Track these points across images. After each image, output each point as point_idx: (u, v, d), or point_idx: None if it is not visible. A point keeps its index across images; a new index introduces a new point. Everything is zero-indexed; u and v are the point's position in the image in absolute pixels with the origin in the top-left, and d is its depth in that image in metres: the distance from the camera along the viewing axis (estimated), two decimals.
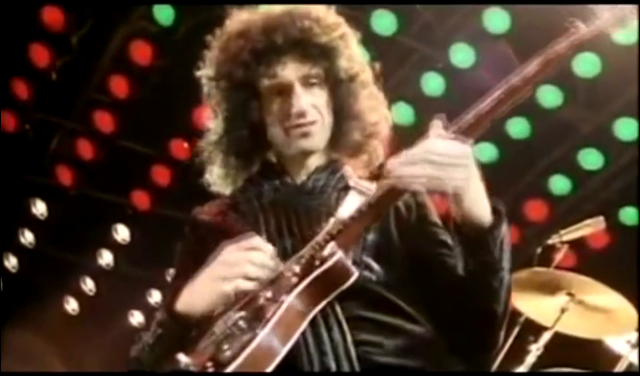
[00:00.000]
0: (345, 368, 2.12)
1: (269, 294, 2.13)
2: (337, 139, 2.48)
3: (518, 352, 4.73)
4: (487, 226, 2.13)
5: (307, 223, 2.33)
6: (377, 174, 2.50)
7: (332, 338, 2.14)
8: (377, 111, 2.51)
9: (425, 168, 2.04)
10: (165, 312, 2.22)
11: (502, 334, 2.30)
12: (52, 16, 6.15)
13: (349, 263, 2.15)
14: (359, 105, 2.47)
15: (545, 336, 4.68)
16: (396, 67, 6.39)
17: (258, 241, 2.19)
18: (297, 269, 2.15)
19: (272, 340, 2.06)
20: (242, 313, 2.13)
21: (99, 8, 6.14)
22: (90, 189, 7.47)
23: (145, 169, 7.23)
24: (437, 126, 2.12)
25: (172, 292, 2.24)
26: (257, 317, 2.11)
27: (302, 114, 2.38)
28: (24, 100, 6.66)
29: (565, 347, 4.84)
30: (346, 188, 2.42)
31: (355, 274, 2.14)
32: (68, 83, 6.60)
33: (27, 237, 7.85)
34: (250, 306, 2.14)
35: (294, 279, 2.14)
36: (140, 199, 7.46)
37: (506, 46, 5.98)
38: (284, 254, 2.24)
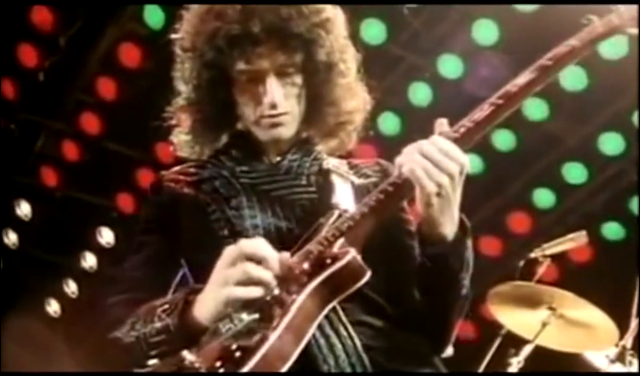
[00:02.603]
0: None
1: (277, 292, 2.06)
2: (311, 121, 2.46)
3: (499, 364, 4.75)
4: (450, 242, 2.13)
5: (291, 209, 2.31)
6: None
7: (343, 345, 2.11)
8: (354, 100, 2.48)
9: (420, 160, 2.04)
10: (177, 319, 2.14)
11: (451, 339, 2.31)
12: (41, 16, 6.13)
13: (361, 261, 2.08)
14: (335, 93, 2.44)
15: (526, 350, 4.70)
16: (384, 76, 6.40)
17: (260, 241, 2.11)
18: (306, 266, 2.09)
19: (284, 343, 2.00)
20: (250, 312, 2.06)
21: (88, 9, 6.12)
22: (75, 191, 7.44)
23: (131, 172, 7.21)
24: (442, 124, 2.12)
25: (184, 300, 2.16)
26: (266, 317, 2.04)
27: (274, 106, 2.34)
28: (10, 99, 6.63)
29: (545, 361, 4.86)
30: (321, 171, 2.41)
31: (369, 273, 2.08)
32: (55, 83, 6.58)
33: (11, 238, 7.81)
34: (259, 305, 2.06)
35: (304, 278, 2.07)
36: (125, 202, 7.43)
37: (495, 58, 6.01)
38: (272, 239, 2.18)
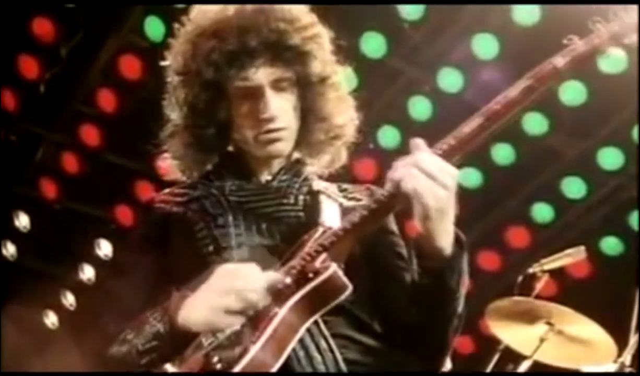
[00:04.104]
0: None
1: (260, 305, 2.10)
2: (302, 138, 2.49)
3: None
4: (447, 256, 2.13)
5: (277, 228, 2.33)
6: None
7: (323, 357, 2.13)
8: (345, 114, 2.52)
9: (414, 175, 2.05)
10: (168, 324, 2.17)
11: (446, 358, 2.32)
12: (42, 28, 6.14)
13: (343, 275, 2.12)
14: (327, 107, 2.47)
15: (524, 365, 4.70)
16: (383, 90, 6.41)
17: (251, 268, 2.14)
18: (288, 281, 2.12)
19: (265, 355, 2.04)
20: (234, 326, 2.10)
21: (89, 20, 6.13)
22: (74, 202, 7.43)
23: (130, 184, 7.21)
24: (419, 145, 2.12)
25: (175, 305, 2.19)
26: (248, 329, 2.09)
27: (272, 120, 2.37)
28: (10, 110, 6.63)
29: None
30: (310, 192, 2.44)
31: (350, 287, 2.11)
32: (55, 95, 6.58)
33: (9, 249, 7.81)
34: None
35: (286, 292, 2.11)
36: (124, 215, 7.41)
37: (494, 72, 6.02)
38: (256, 257, 2.22)
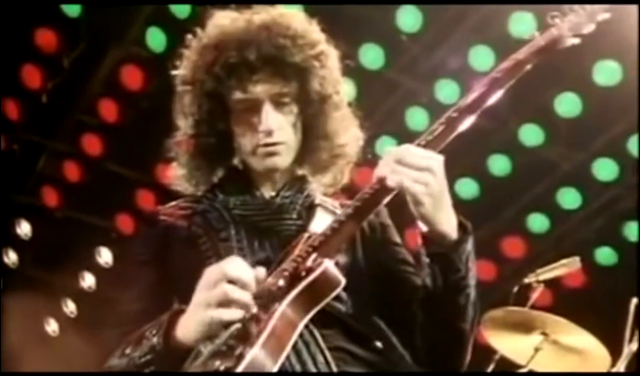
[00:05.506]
0: None
1: (255, 309, 2.11)
2: (304, 156, 2.52)
3: None
4: (452, 241, 2.17)
5: (278, 242, 2.36)
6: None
7: (319, 370, 2.14)
8: (348, 133, 2.54)
9: (397, 169, 2.09)
10: (162, 338, 2.19)
11: (469, 351, 2.32)
12: (45, 38, 6.19)
13: (335, 270, 2.14)
14: (329, 126, 2.50)
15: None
16: (381, 101, 6.46)
17: (237, 261, 2.15)
18: (282, 283, 2.14)
19: (264, 355, 2.04)
20: (230, 330, 2.10)
21: (92, 31, 6.18)
22: (75, 211, 7.47)
23: (131, 193, 7.24)
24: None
25: (168, 320, 2.21)
26: (245, 332, 2.09)
27: (269, 133, 2.40)
28: (13, 120, 6.67)
29: None
30: (312, 206, 2.46)
31: (343, 281, 2.14)
32: (58, 105, 6.63)
33: (11, 257, 7.84)
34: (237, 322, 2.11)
35: (280, 294, 2.12)
36: (125, 223, 7.45)
37: None
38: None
